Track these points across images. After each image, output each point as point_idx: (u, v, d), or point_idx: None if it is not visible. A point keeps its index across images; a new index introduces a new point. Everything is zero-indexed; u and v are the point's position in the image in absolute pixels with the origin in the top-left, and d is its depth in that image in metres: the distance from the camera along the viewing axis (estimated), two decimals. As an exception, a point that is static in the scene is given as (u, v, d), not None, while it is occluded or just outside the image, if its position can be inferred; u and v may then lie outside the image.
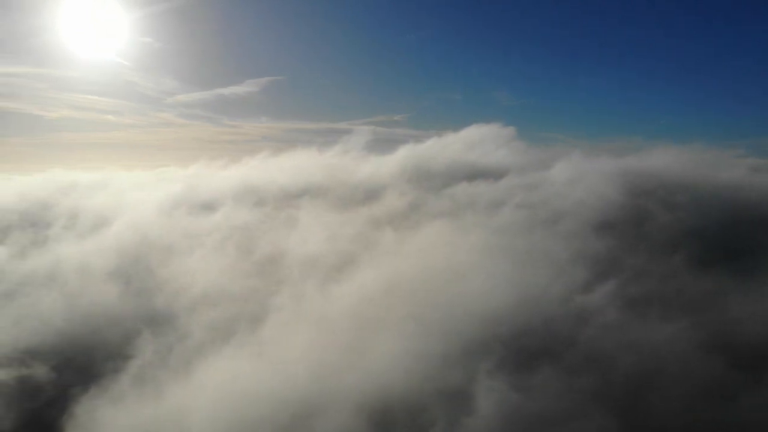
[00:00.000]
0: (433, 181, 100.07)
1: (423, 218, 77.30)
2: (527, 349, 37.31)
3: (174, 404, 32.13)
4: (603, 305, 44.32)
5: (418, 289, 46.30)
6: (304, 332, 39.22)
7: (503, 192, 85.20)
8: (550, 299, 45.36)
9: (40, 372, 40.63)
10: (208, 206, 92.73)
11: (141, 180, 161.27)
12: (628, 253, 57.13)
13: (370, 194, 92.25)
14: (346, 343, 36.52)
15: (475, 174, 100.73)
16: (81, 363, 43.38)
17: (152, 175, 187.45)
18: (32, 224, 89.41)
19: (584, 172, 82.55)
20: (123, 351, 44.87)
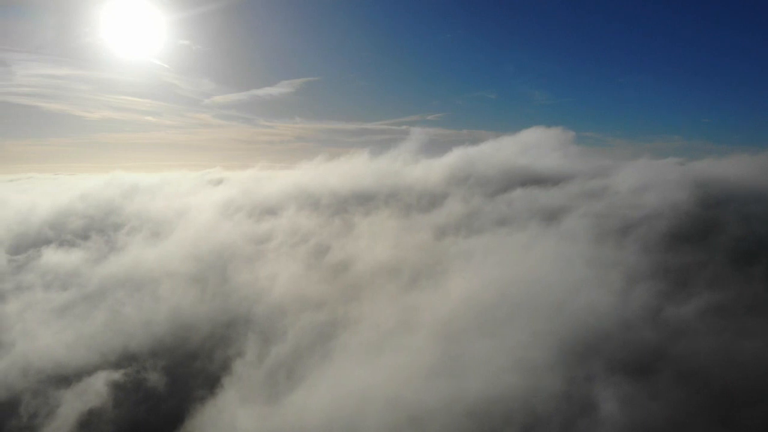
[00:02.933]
0: (487, 186, 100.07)
1: (484, 225, 77.60)
2: (619, 358, 37.71)
3: (286, 407, 33.47)
4: (688, 317, 44.28)
5: (501, 297, 46.76)
6: (398, 338, 40.15)
7: (564, 199, 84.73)
8: (633, 310, 45.41)
9: (142, 374, 42.70)
10: (270, 210, 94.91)
11: (190, 181, 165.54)
12: (705, 264, 56.52)
13: (426, 199, 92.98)
14: (442, 349, 37.32)
15: (530, 179, 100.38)
16: (178, 366, 45.59)
17: (199, 177, 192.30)
18: (101, 228, 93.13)
19: (652, 180, 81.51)
20: (217, 354, 47.15)
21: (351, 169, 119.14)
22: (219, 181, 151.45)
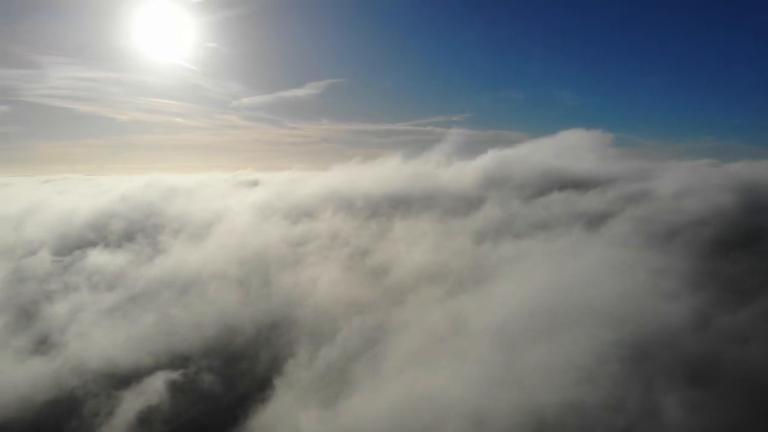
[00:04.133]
0: (523, 189, 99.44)
1: (523, 229, 77.17)
2: (674, 365, 37.29)
3: (343, 411, 33.85)
4: (740, 324, 43.54)
5: (548, 303, 46.47)
6: (448, 344, 40.23)
7: (604, 203, 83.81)
8: (685, 317, 44.76)
9: (197, 375, 43.65)
10: (306, 213, 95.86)
11: (223, 183, 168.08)
12: (754, 270, 55.47)
13: (462, 202, 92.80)
14: (495, 356, 37.27)
15: (567, 183, 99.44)
16: (227, 366, 46.47)
17: (231, 178, 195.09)
18: (142, 229, 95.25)
19: (693, 184, 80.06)
20: (263, 356, 47.91)
21: (385, 172, 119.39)
22: (253, 183, 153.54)
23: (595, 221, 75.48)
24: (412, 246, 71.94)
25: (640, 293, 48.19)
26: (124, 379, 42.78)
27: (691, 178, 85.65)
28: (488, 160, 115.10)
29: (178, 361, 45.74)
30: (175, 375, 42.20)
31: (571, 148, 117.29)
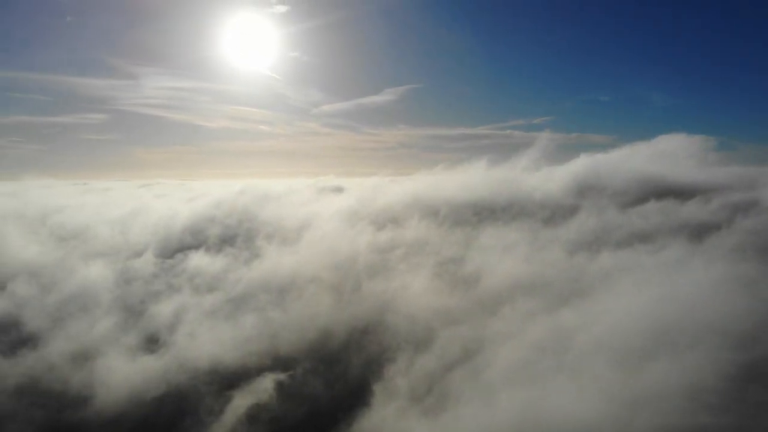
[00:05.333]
0: (617, 197, 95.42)
1: (620, 240, 74.01)
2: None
3: (451, 422, 33.72)
4: None
5: (657, 319, 44.20)
6: (553, 359, 39.09)
7: (707, 213, 78.83)
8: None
9: (301, 377, 45.06)
10: (392, 220, 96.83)
11: (308, 188, 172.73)
12: None
13: (553, 210, 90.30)
14: (607, 373, 35.82)
15: (665, 191, 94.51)
16: (324, 370, 47.62)
17: (314, 184, 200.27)
18: (237, 234, 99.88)
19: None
20: (356, 361, 48.74)
21: (470, 178, 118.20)
22: (336, 189, 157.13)
23: (699, 232, 71.11)
24: (503, 255, 70.65)
25: (762, 311, 44.93)
26: (232, 379, 44.88)
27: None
28: (580, 165, 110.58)
29: (282, 362, 47.40)
30: (282, 376, 43.74)
31: (669, 153, 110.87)
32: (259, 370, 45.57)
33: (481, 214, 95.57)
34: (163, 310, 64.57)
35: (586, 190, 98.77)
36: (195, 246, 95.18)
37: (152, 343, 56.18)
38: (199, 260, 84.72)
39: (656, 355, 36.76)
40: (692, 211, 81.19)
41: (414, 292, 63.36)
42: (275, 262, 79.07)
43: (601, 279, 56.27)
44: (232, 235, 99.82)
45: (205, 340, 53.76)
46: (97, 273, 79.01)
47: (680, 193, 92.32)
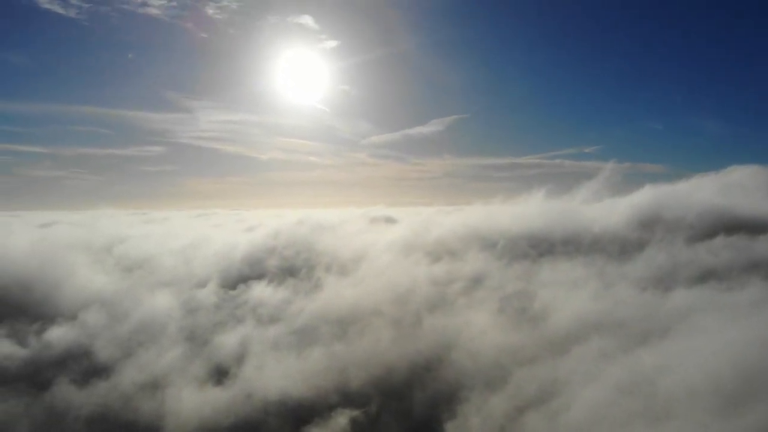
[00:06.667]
0: (684, 231, 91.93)
1: (691, 277, 71.08)
2: None
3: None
4: None
5: (742, 365, 41.79)
6: (642, 402, 37.44)
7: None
8: None
9: (378, 415, 44.60)
10: (449, 252, 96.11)
11: (359, 219, 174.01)
12: None
13: (618, 244, 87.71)
14: (710, 419, 34.00)
15: (735, 225, 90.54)
16: (389, 405, 47.08)
17: (364, 213, 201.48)
18: (296, 265, 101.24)
19: None
20: (419, 397, 48.00)
21: (528, 209, 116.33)
22: (388, 219, 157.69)
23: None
24: (570, 291, 68.78)
25: None
26: (303, 413, 44.90)
27: None
28: (644, 197, 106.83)
29: (353, 398, 47.17)
30: (356, 413, 43.51)
31: (738, 185, 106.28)
32: (330, 406, 45.41)
33: (540, 246, 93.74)
34: (228, 340, 65.36)
35: (650, 224, 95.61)
36: (256, 276, 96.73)
37: (219, 374, 56.70)
38: (261, 291, 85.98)
39: (754, 400, 34.72)
40: (766, 247, 77.45)
41: (478, 327, 62.17)
42: (334, 294, 79.47)
43: (678, 318, 53.91)
44: (291, 266, 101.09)
45: (273, 373, 54.02)
46: (163, 303, 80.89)
47: (752, 227, 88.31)
